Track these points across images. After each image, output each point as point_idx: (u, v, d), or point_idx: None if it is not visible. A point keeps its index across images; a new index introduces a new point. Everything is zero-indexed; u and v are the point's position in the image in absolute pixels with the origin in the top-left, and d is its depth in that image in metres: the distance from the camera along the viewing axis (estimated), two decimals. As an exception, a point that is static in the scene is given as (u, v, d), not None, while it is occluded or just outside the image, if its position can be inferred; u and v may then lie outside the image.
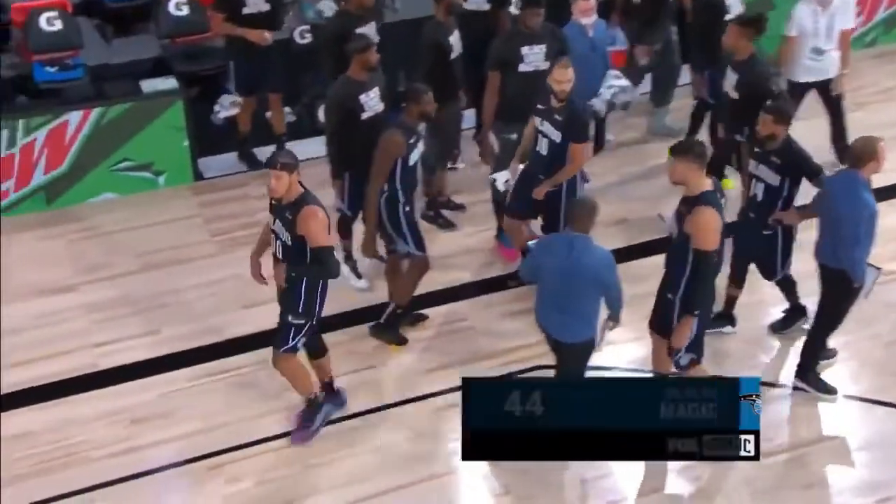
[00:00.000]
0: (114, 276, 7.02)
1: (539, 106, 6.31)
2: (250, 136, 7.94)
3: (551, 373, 6.15)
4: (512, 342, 6.52)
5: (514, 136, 6.78)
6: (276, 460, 5.79)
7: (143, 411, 6.05)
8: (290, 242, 5.42)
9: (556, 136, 6.27)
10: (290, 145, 7.91)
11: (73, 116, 7.47)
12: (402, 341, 6.50)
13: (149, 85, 7.70)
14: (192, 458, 5.78)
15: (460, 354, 6.43)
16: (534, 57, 6.80)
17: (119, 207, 7.62)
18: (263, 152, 7.90)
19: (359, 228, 6.56)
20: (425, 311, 6.70)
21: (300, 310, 5.54)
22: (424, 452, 5.84)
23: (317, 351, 5.92)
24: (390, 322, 6.48)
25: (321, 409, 5.91)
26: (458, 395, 5.99)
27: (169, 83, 7.74)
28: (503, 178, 6.68)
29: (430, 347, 6.52)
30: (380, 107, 6.51)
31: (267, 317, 6.27)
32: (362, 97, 6.42)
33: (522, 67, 6.78)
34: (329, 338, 6.15)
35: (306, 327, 5.61)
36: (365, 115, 6.43)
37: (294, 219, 5.35)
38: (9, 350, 6.42)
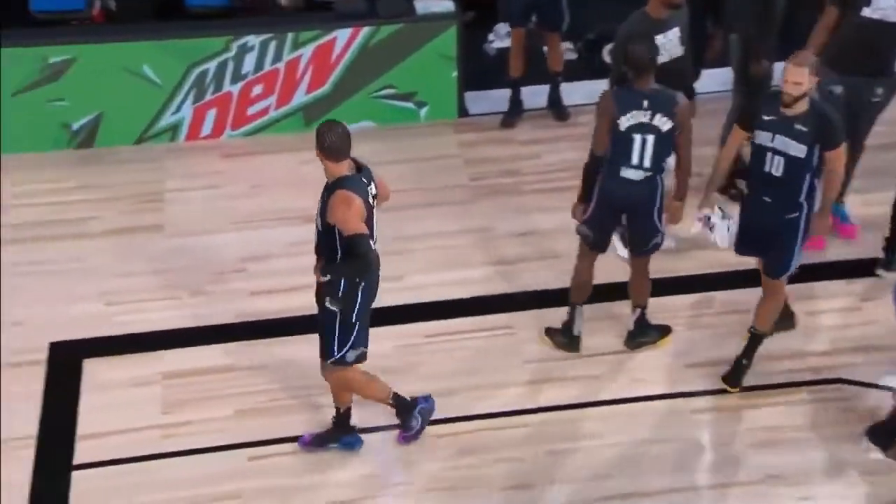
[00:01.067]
0: (361, 211, 6.66)
1: (764, 117, 5.13)
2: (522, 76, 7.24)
3: (854, 389, 5.25)
4: (808, 345, 5.65)
5: (839, 91, 5.83)
6: (513, 439, 5.32)
7: (376, 363, 5.61)
8: (320, 227, 4.77)
9: (800, 150, 5.07)
10: (566, 87, 7.31)
11: (342, 34, 7.11)
12: (666, 331, 5.74)
13: (423, 6, 7.21)
14: (422, 421, 5.40)
15: (732, 352, 5.57)
16: (885, 3, 5.72)
17: (376, 137, 7.24)
18: (534, 92, 7.29)
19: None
20: (704, 295, 5.92)
21: (339, 294, 4.83)
22: (672, 457, 5.20)
23: None
24: (642, 325, 5.70)
25: (413, 408, 5.17)
26: (721, 399, 5.42)
27: (444, 5, 7.21)
28: (698, 219, 5.40)
29: (700, 339, 5.76)
30: (678, 51, 5.80)
31: (518, 277, 5.77)
32: (659, 38, 5.70)
33: (867, 12, 5.74)
34: (591, 310, 5.61)
35: (354, 331, 4.86)
36: (660, 60, 5.62)
37: (326, 203, 4.67)
38: (254, 276, 6.22)
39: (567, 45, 7.25)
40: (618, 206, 5.40)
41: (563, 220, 6.45)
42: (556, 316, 5.77)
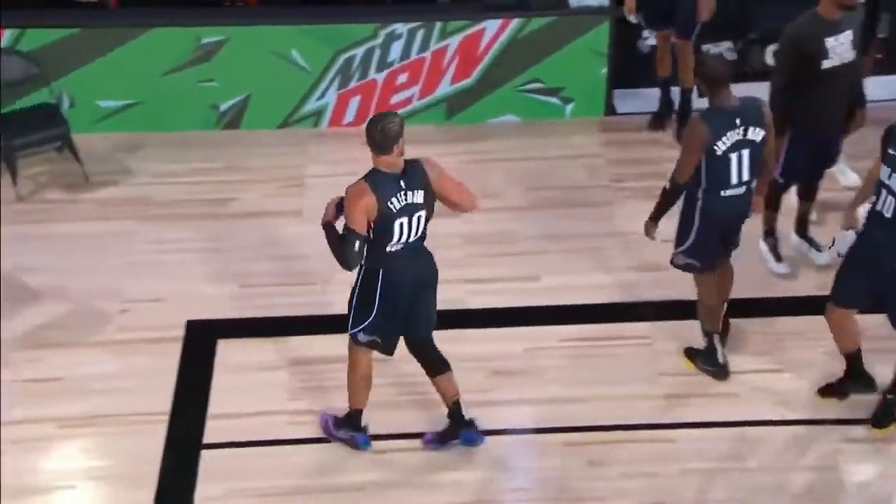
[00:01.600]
0: (499, 207, 6.50)
1: (889, 151, 4.67)
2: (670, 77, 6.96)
3: None
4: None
5: None
6: (645, 453, 5.11)
7: (506, 364, 5.56)
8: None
9: None
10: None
11: (491, 25, 6.99)
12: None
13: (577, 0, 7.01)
14: (550, 427, 5.24)
15: (884, 378, 5.19)
16: None
17: (518, 132, 7.10)
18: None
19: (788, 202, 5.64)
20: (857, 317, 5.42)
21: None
22: (818, 488, 4.92)
23: (431, 365, 5.02)
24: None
25: (349, 431, 5.14)
26: (873, 430, 5.12)
27: (599, -1, 7.02)
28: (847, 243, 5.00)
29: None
30: (849, 55, 5.43)
31: (658, 285, 5.61)
32: (829, 40, 5.38)
33: None
34: (737, 324, 5.41)
35: (370, 317, 4.79)
36: (827, 64, 5.40)
37: None
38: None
39: (727, 44, 6.93)
40: (721, 223, 5.15)
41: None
42: (695, 328, 5.50)
